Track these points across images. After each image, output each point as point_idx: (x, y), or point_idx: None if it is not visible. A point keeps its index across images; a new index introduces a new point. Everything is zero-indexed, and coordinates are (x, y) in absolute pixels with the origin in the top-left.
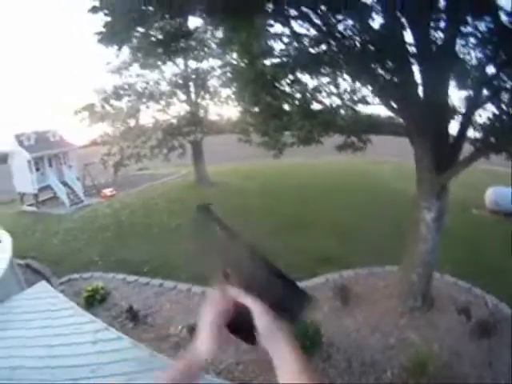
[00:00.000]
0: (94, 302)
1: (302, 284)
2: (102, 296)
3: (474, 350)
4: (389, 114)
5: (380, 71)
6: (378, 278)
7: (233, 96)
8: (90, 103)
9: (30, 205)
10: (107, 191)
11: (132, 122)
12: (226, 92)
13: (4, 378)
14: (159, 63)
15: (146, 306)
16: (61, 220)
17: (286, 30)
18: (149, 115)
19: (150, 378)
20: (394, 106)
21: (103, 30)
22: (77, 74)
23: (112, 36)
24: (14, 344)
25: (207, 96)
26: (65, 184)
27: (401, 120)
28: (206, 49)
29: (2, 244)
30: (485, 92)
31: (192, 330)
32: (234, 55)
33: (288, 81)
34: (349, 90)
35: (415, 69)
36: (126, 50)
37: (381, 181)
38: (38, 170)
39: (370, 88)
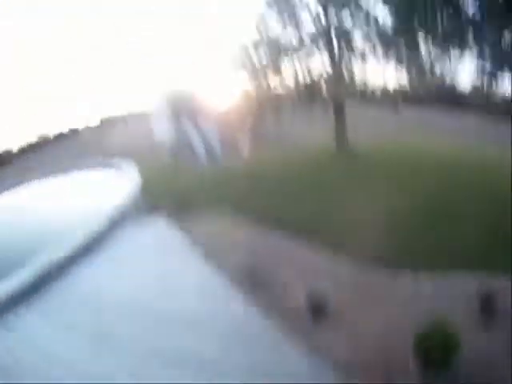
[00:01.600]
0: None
1: (440, 278)
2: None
3: None
4: None
5: None
6: None
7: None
8: (231, 53)
9: (167, 155)
10: (243, 149)
11: (272, 75)
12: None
13: (94, 307)
14: (295, 11)
15: (266, 262)
16: (193, 171)
17: None
18: (289, 69)
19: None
20: None
21: None
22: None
23: None
24: (117, 274)
25: (351, 54)
26: (203, 140)
27: None
28: None
29: (129, 175)
30: None
31: (311, 299)
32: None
33: None
34: None
35: None
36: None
37: None
38: (177, 124)
39: None
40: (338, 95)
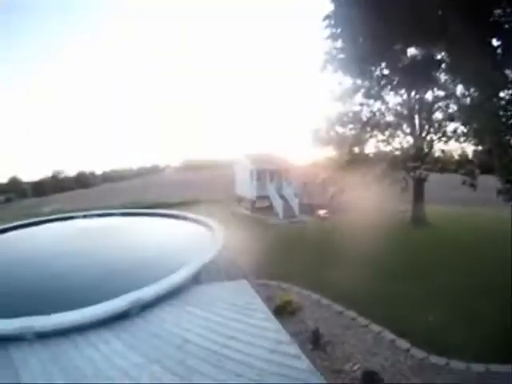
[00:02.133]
0: (283, 312)
1: (493, 367)
2: (293, 310)
3: None
4: None
5: None
6: None
7: (459, 131)
8: (316, 128)
9: (246, 208)
10: (322, 212)
11: (356, 150)
12: (451, 126)
13: (174, 346)
14: (382, 94)
15: (331, 333)
16: (271, 227)
17: None
18: (372, 144)
19: None
20: None
21: (341, 56)
22: (302, 98)
23: (352, 63)
24: (197, 322)
25: (432, 130)
26: (282, 197)
27: None
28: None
29: (215, 234)
30: None
31: (366, 374)
32: (460, 87)
33: None
34: None
35: None
36: (348, 78)
37: None
38: (259, 180)
39: None
40: (418, 172)
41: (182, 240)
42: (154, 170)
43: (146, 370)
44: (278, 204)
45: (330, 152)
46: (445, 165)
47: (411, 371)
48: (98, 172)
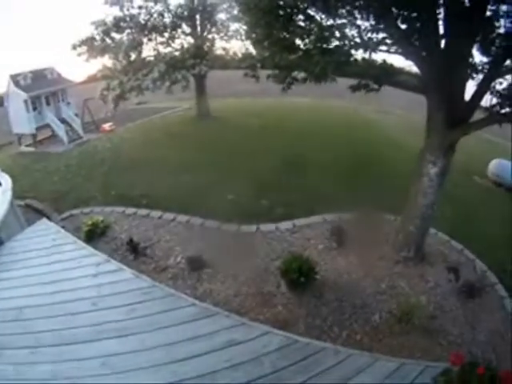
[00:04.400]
0: (94, 235)
1: (299, 221)
2: (102, 229)
3: (457, 309)
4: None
5: (402, 16)
6: (376, 224)
7: (241, 30)
8: (90, 36)
9: (28, 145)
10: (106, 126)
11: (134, 55)
12: (234, 26)
13: (12, 319)
14: None
15: (145, 238)
16: (60, 157)
17: None
18: (151, 48)
19: (151, 308)
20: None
21: None
22: (73, 5)
23: None
24: (17, 284)
25: (213, 30)
26: (63, 121)
27: (416, 70)
28: None
29: (1, 187)
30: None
31: (190, 261)
32: None
33: (304, 16)
34: (367, 32)
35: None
36: None
37: (384, 131)
38: (35, 109)
39: (389, 33)
40: (198, 68)
41: None
42: None
43: (4, 358)
44: (60, 129)
45: (107, 62)
46: (228, 62)
47: (231, 242)
48: None
